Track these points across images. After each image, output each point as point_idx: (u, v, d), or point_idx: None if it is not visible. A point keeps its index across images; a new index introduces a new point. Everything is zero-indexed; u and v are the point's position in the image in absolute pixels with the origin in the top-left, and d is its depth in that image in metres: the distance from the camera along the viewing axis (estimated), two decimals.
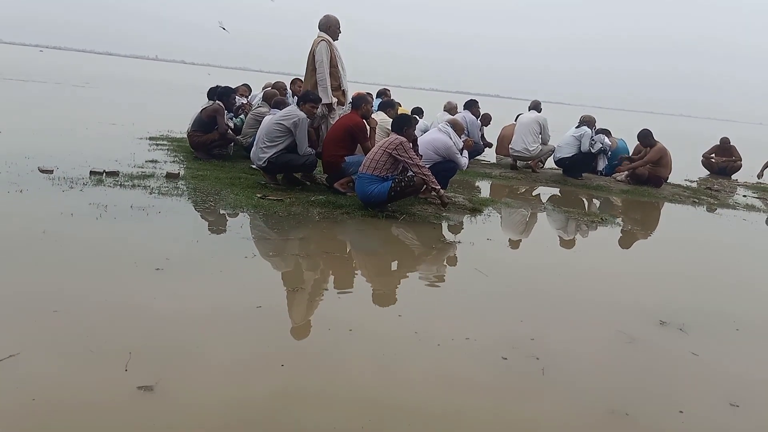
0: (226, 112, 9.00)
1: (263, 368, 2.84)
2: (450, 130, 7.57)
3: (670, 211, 8.90)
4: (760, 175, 13.31)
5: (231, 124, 9.49)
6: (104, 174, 6.82)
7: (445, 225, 6.35)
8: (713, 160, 14.17)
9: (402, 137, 6.34)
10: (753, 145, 19.58)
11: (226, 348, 3.01)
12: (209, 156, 8.69)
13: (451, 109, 10.92)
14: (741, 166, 13.94)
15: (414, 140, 6.69)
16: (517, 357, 3.22)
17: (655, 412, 2.81)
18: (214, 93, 8.93)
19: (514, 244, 6.09)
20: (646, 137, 10.39)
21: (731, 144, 14.31)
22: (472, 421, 2.57)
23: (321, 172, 7.50)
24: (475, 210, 7.10)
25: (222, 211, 5.94)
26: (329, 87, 7.35)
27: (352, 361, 3.02)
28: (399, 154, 6.23)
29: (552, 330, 3.70)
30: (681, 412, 2.82)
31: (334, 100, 7.45)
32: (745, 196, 10.83)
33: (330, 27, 7.51)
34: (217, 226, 5.59)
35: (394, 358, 3.08)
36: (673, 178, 10.71)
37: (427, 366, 3.06)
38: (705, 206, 9.24)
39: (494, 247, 5.72)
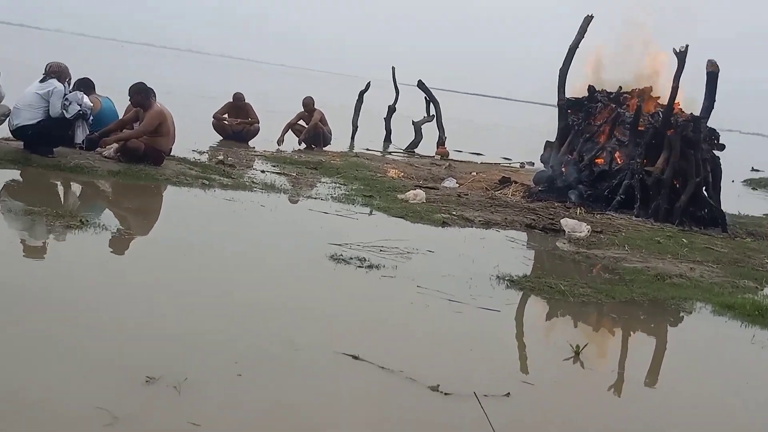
0: None
1: None
2: None
3: (171, 196, 7.15)
4: (280, 141, 12.12)
5: None
6: None
7: None
8: (226, 123, 12.62)
9: None
10: (266, 103, 18.50)
11: None
12: None
13: None
14: (258, 129, 12.68)
15: None
16: None
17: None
18: None
19: None
20: (138, 93, 7.91)
21: (246, 102, 12.87)
22: None
23: None
24: None
25: None
26: None
27: None
28: None
29: None
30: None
31: None
32: (263, 171, 9.38)
33: None
34: None
35: None
36: (178, 150, 8.63)
37: None
38: (216, 188, 7.49)
39: None
